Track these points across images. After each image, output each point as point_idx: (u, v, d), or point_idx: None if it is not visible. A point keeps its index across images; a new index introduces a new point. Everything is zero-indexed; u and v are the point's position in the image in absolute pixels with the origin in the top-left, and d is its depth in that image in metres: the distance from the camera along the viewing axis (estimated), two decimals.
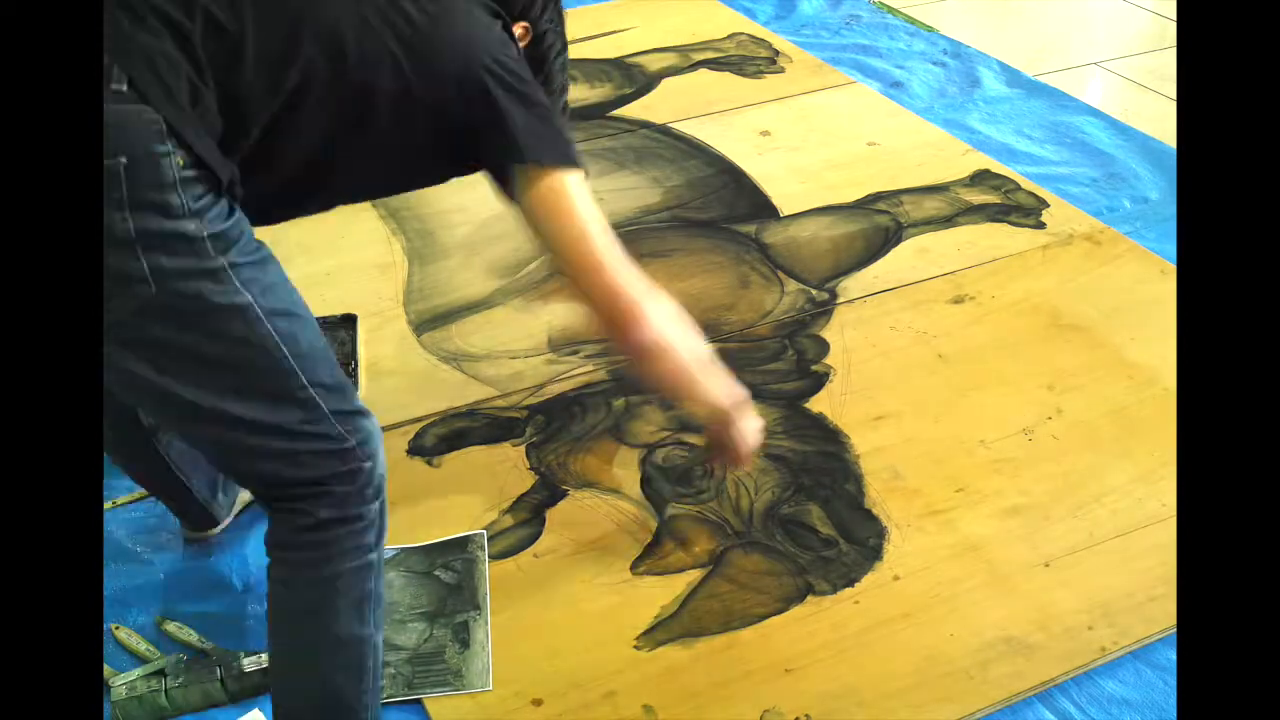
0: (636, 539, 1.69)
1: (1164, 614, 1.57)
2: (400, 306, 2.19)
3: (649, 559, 1.66)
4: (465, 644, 1.54)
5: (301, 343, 1.20)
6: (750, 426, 1.47)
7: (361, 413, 1.27)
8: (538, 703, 1.47)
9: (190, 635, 1.56)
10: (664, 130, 2.78)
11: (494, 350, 2.08)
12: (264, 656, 1.47)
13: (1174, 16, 3.43)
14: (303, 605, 1.26)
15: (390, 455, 1.83)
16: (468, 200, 2.52)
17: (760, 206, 2.49)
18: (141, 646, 1.54)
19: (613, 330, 1.34)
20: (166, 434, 1.52)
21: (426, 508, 1.74)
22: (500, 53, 1.27)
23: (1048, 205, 2.47)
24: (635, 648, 1.54)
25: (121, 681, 1.47)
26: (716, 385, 1.42)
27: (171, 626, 1.57)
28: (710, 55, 3.14)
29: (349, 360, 2.02)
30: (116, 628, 1.56)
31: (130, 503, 1.76)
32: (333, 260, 2.32)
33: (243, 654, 1.50)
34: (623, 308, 1.31)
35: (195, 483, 1.61)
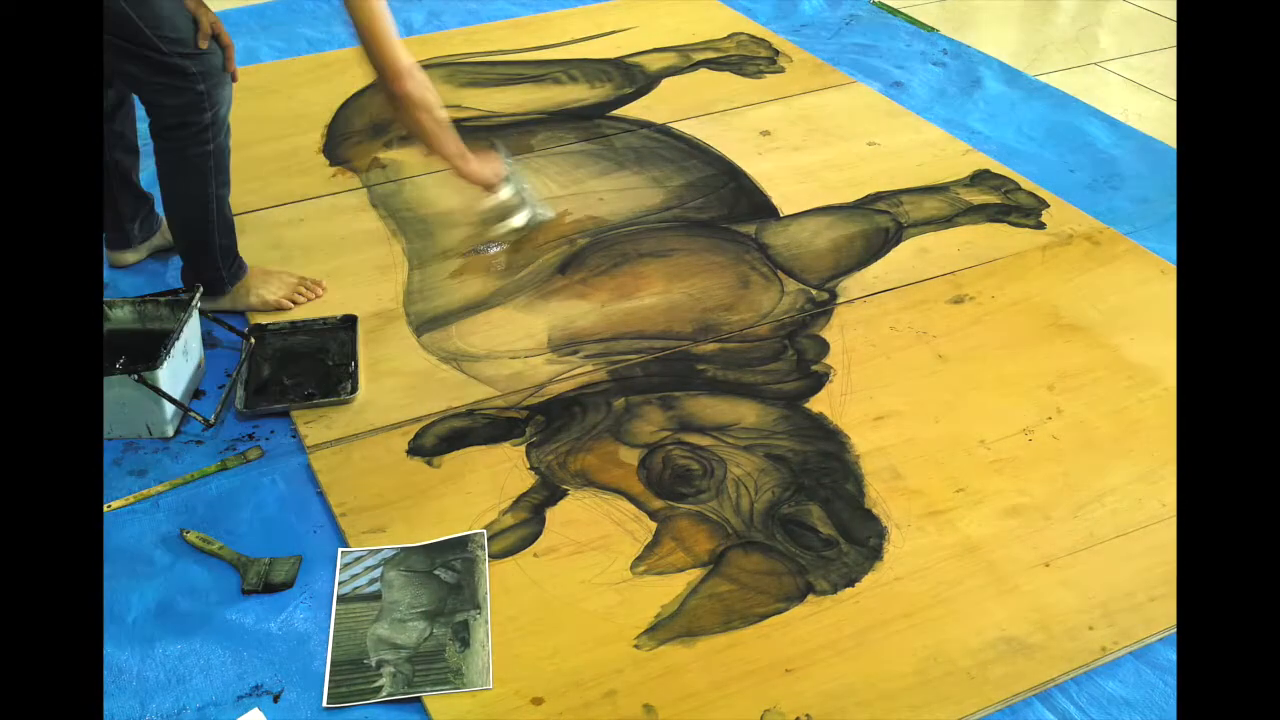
0: (636, 539, 1.69)
1: (1164, 614, 1.57)
2: (400, 307, 2.19)
3: (649, 559, 1.66)
4: (465, 643, 1.54)
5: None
6: (482, 168, 1.92)
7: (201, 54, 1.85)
8: (538, 701, 1.47)
9: (213, 544, 1.69)
10: (664, 130, 2.78)
11: (494, 350, 2.08)
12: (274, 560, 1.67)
13: (1174, 16, 3.43)
14: (170, 170, 2.00)
15: (390, 455, 1.85)
16: (468, 200, 2.52)
17: (760, 206, 2.49)
18: (214, 546, 1.69)
19: (386, 79, 1.74)
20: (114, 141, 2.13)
21: (426, 508, 1.75)
22: None
23: (1048, 205, 2.47)
24: (635, 647, 1.54)
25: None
26: (450, 141, 1.84)
27: (194, 537, 1.69)
28: (710, 55, 3.15)
29: (349, 360, 2.02)
30: (186, 532, 1.71)
31: (129, 504, 1.77)
32: (333, 261, 2.32)
33: (260, 560, 1.67)
34: (399, 65, 1.73)
35: (121, 201, 2.22)
